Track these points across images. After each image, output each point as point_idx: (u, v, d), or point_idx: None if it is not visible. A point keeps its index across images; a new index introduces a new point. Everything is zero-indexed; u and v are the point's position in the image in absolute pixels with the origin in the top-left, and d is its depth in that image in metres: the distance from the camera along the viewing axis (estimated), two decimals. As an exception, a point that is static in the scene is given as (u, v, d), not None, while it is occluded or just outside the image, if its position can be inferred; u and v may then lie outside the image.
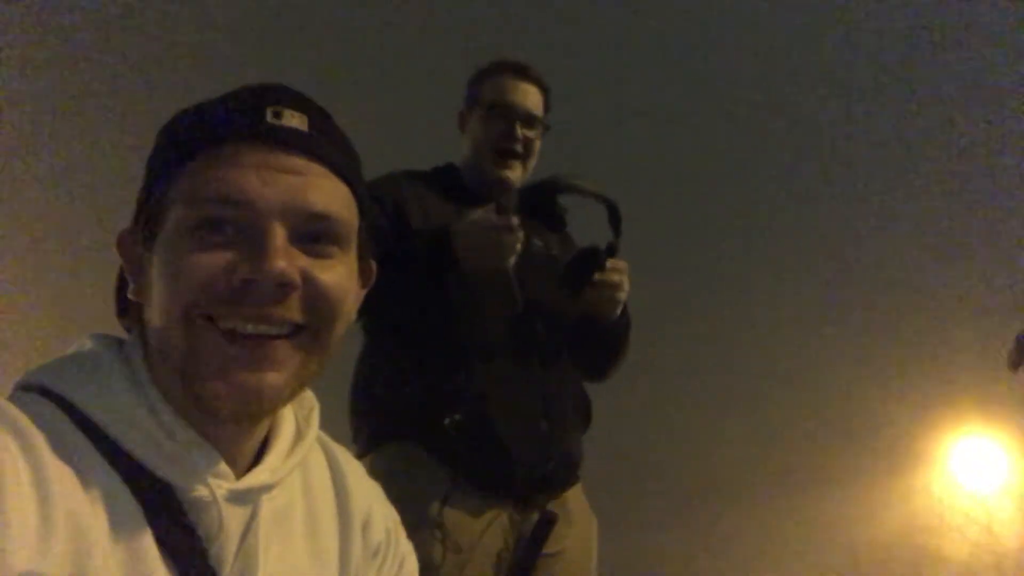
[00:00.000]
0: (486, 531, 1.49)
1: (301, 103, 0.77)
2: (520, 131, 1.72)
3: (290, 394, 0.75)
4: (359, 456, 1.51)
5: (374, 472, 0.98)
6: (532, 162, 1.78)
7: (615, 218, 1.63)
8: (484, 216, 1.53)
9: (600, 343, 1.76)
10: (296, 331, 0.73)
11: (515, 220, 1.51)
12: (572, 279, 1.63)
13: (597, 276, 1.61)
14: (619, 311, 1.68)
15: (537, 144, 1.77)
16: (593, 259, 1.62)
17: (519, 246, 1.53)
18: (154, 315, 0.73)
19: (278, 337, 0.72)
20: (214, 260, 0.70)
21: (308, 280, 0.72)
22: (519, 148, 1.73)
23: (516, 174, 1.74)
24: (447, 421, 1.50)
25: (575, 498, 1.64)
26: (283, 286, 0.71)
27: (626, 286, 1.64)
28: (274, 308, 0.71)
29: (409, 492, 1.39)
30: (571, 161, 1.86)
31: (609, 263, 1.62)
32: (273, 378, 0.72)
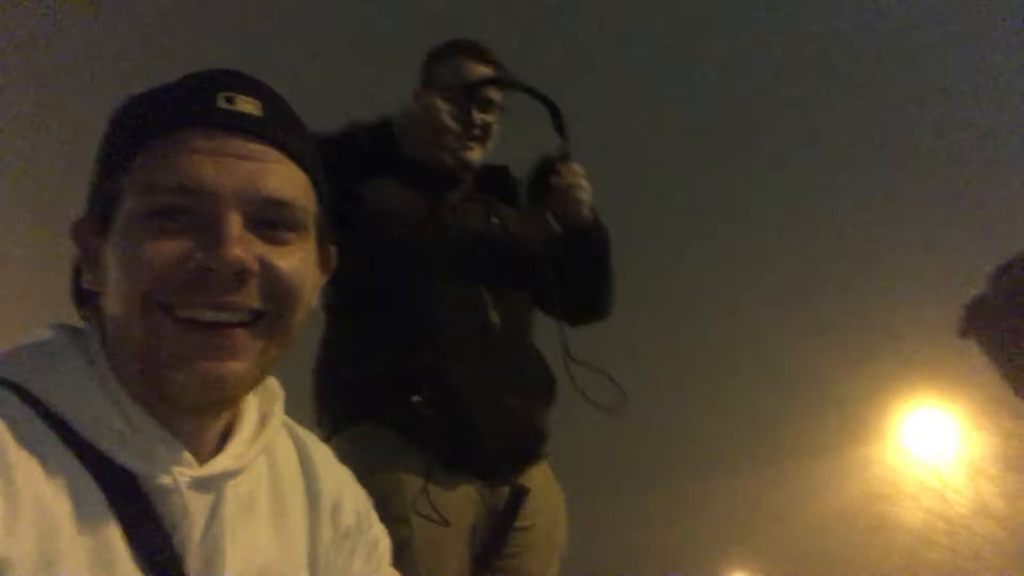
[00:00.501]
0: (458, 505, 1.50)
1: (254, 88, 0.76)
2: (478, 115, 1.71)
3: (252, 381, 0.75)
4: (324, 439, 1.51)
5: (340, 454, 0.98)
6: (490, 144, 1.78)
7: (558, 120, 1.68)
8: (437, 100, 1.57)
9: (584, 263, 1.77)
10: (255, 318, 0.73)
11: (458, 116, 1.56)
12: (531, 190, 1.71)
13: (553, 180, 1.67)
14: (587, 214, 1.71)
15: (495, 127, 1.76)
16: (547, 166, 1.68)
17: (463, 145, 1.58)
18: (111, 304, 0.72)
19: (238, 325, 0.72)
20: (170, 249, 0.69)
21: (266, 267, 0.72)
22: (477, 132, 1.72)
23: (476, 155, 1.74)
24: (415, 399, 1.50)
25: (542, 473, 1.66)
26: (240, 274, 0.70)
27: (585, 185, 1.70)
28: (232, 296, 0.71)
29: (380, 472, 1.40)
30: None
31: (563, 166, 1.67)
32: (234, 366, 0.72)
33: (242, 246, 0.70)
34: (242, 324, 0.72)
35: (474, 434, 1.53)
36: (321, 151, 0.81)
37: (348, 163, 1.51)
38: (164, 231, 0.70)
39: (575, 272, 1.77)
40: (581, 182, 1.70)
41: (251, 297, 0.72)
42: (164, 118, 0.73)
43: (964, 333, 1.29)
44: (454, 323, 1.59)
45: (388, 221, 1.62)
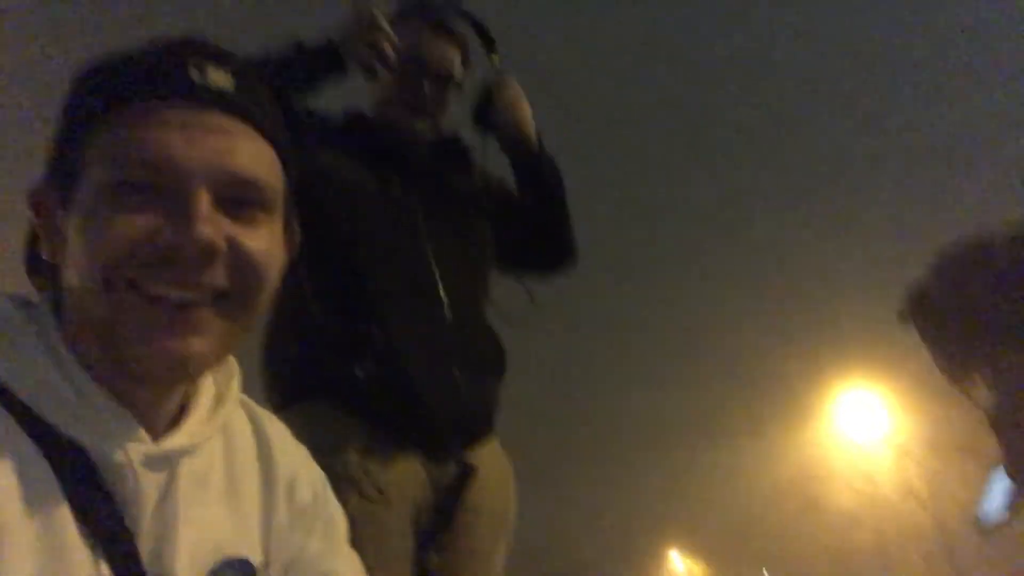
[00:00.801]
0: (403, 482, 1.49)
1: (225, 59, 0.74)
2: (431, 89, 1.68)
3: (215, 360, 0.74)
4: None
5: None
6: (444, 117, 1.75)
7: (488, 41, 1.74)
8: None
9: (539, 194, 1.78)
10: (221, 297, 0.72)
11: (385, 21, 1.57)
12: (476, 115, 1.76)
13: (493, 98, 1.72)
14: (532, 134, 1.75)
15: (450, 101, 1.74)
16: (486, 92, 1.75)
17: (383, 44, 1.56)
18: (71, 276, 0.70)
19: (203, 304, 0.71)
20: (136, 223, 0.68)
21: (234, 247, 0.71)
22: (428, 106, 1.69)
23: (425, 128, 1.71)
24: (358, 371, 1.49)
25: (491, 449, 1.65)
26: (208, 253, 0.69)
27: (522, 95, 1.75)
28: (199, 274, 0.69)
29: (324, 448, 1.38)
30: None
31: (499, 84, 1.74)
32: (198, 344, 0.70)
33: (211, 224, 0.69)
34: (207, 303, 0.71)
35: (420, 407, 1.51)
36: (266, 69, 0.80)
37: (295, 77, 1.51)
38: (130, 205, 0.68)
39: (533, 210, 1.78)
40: (517, 92, 1.73)
41: (218, 276, 0.71)
42: (133, 88, 0.70)
43: (905, 320, 1.34)
44: (400, 296, 1.57)
45: (337, 195, 1.60)
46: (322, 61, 1.55)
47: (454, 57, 1.72)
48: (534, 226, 1.79)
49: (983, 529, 1.13)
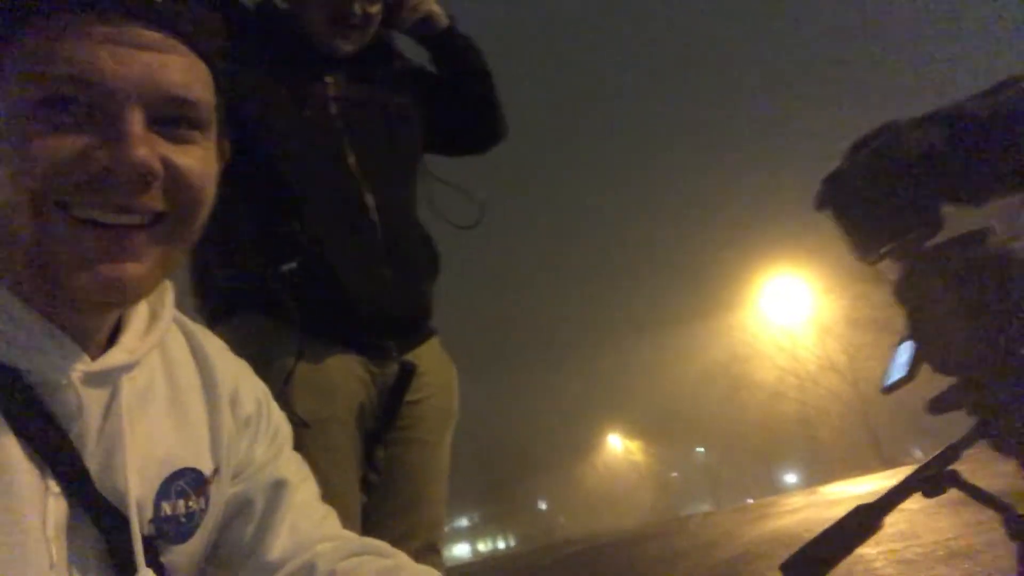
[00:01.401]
0: (342, 384, 1.50)
1: None
2: (359, 6, 1.59)
3: (154, 283, 0.73)
4: None
5: None
6: (371, 31, 1.66)
7: None
8: None
9: (460, 71, 1.78)
10: (157, 220, 0.70)
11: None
12: (385, 15, 1.72)
13: None
14: (441, 18, 1.75)
15: (378, 16, 1.64)
16: None
17: None
18: None
19: (139, 227, 0.69)
20: (66, 144, 0.65)
21: (170, 168, 0.69)
22: (357, 22, 1.60)
23: (352, 44, 1.63)
24: (283, 268, 1.46)
25: (431, 349, 1.67)
26: (145, 176, 0.67)
27: None
28: (135, 198, 0.67)
29: (260, 358, 1.37)
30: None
31: None
32: (134, 269, 0.69)
33: (146, 145, 0.67)
34: (143, 226, 0.69)
35: (348, 305, 1.51)
36: None
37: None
38: (57, 124, 0.65)
39: (457, 89, 1.78)
40: None
41: (154, 199, 0.69)
42: None
43: (820, 205, 1.40)
44: (325, 205, 1.54)
45: (253, 109, 1.51)
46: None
47: None
48: (460, 105, 1.78)
49: (888, 389, 1.21)
